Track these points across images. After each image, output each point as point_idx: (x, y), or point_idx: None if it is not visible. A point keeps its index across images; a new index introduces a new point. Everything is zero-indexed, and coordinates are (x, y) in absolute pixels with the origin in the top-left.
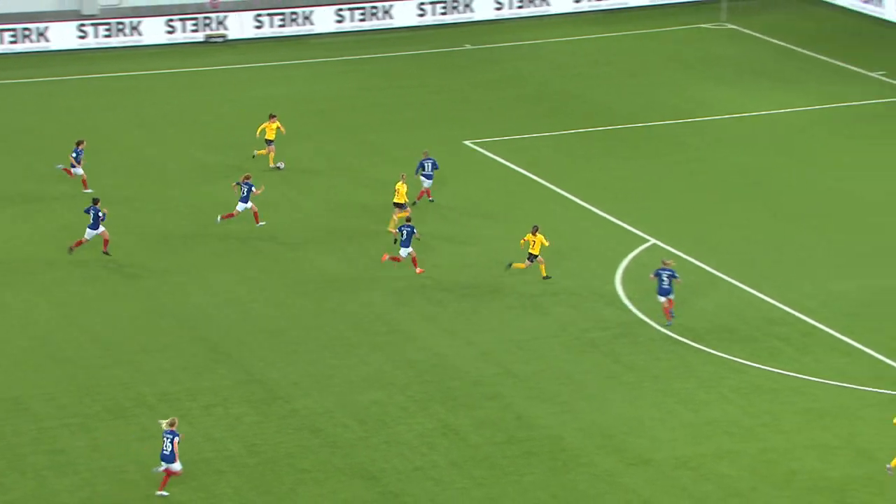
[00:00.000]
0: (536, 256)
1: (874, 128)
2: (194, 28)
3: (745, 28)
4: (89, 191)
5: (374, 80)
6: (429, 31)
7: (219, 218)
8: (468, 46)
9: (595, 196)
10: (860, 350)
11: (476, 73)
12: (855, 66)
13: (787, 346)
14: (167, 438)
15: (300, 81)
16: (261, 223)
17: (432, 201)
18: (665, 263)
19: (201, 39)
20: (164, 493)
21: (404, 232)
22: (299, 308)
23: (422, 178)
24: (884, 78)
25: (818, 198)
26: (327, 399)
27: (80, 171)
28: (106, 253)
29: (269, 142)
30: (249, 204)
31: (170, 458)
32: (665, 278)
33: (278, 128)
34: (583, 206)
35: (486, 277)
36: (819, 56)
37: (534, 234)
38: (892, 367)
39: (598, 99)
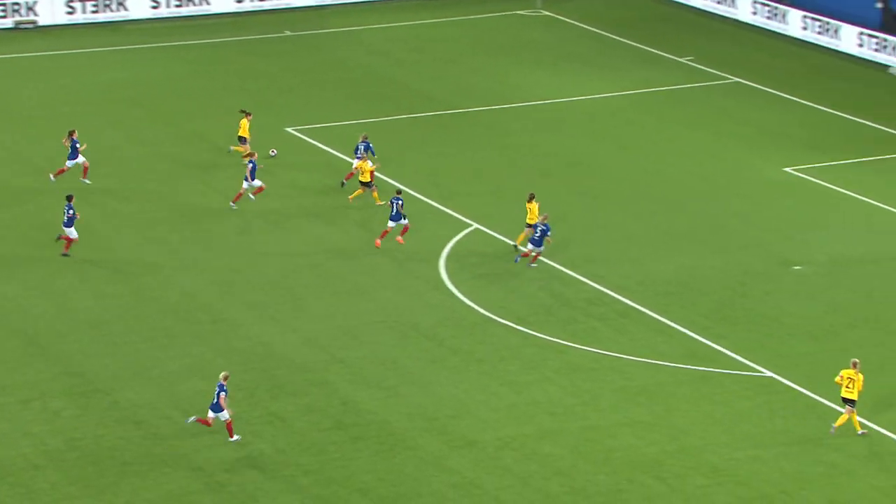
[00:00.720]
0: (534, 225)
1: (684, 111)
2: (2, 14)
3: (560, 15)
4: (87, 181)
5: (192, 67)
6: (247, 17)
7: (232, 204)
8: (288, 33)
9: (417, 182)
10: (674, 328)
11: (296, 59)
12: (665, 52)
13: (604, 325)
14: (217, 390)
15: (115, 68)
16: (253, 198)
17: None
18: (543, 218)
19: (10, 25)
20: (237, 437)
21: (395, 205)
22: (119, 298)
23: (356, 160)
24: (692, 63)
25: (633, 180)
26: (149, 390)
27: (81, 159)
28: (62, 249)
29: (241, 139)
30: (257, 182)
31: (216, 408)
32: (539, 232)
33: (247, 124)
34: (405, 192)
35: (310, 265)
36: (631, 42)
37: (530, 201)
38: (704, 344)
39: (417, 85)
